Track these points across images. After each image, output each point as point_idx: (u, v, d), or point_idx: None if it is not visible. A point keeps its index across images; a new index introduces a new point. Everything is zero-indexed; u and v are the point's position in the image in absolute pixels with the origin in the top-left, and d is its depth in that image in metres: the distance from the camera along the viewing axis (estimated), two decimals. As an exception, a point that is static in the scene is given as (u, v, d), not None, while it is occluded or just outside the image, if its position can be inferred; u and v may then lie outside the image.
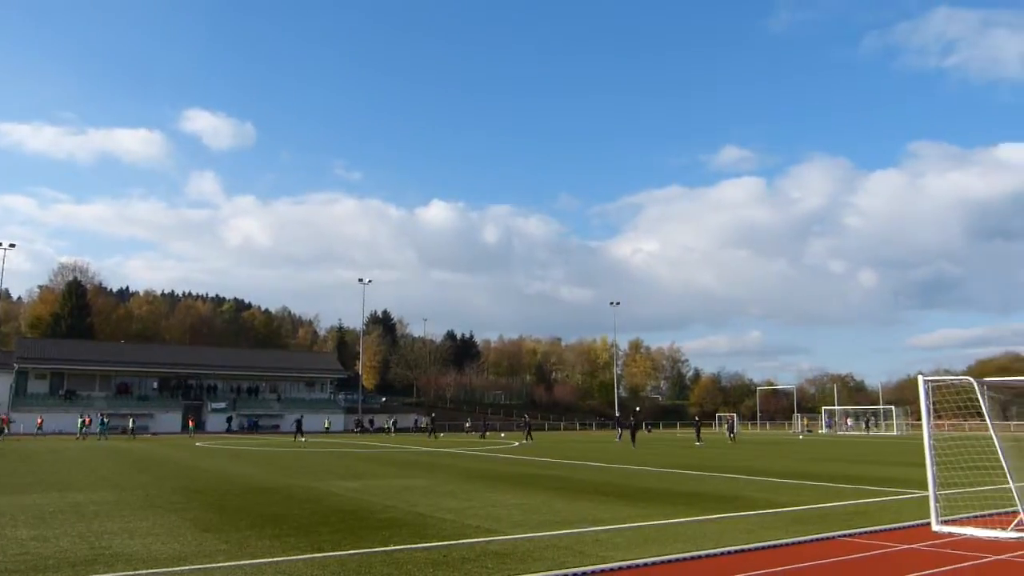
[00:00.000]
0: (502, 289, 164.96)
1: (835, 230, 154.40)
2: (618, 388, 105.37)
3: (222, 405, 78.99)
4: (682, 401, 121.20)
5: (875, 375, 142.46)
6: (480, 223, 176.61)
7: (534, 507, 14.44)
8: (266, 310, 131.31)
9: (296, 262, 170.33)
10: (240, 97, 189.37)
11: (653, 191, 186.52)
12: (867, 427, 73.70)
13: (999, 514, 11.63)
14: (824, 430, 78.10)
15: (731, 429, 53.72)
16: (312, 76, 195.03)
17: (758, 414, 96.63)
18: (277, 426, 77.26)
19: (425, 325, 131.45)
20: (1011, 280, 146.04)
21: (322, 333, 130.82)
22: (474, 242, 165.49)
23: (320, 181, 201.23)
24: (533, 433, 54.17)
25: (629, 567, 8.77)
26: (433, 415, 69.70)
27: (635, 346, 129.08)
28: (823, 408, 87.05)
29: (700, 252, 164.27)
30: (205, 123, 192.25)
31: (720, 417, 76.24)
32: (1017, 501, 10.93)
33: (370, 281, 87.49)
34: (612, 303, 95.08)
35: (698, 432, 50.12)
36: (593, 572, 8.49)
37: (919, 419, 13.54)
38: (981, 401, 11.10)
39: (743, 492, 17.35)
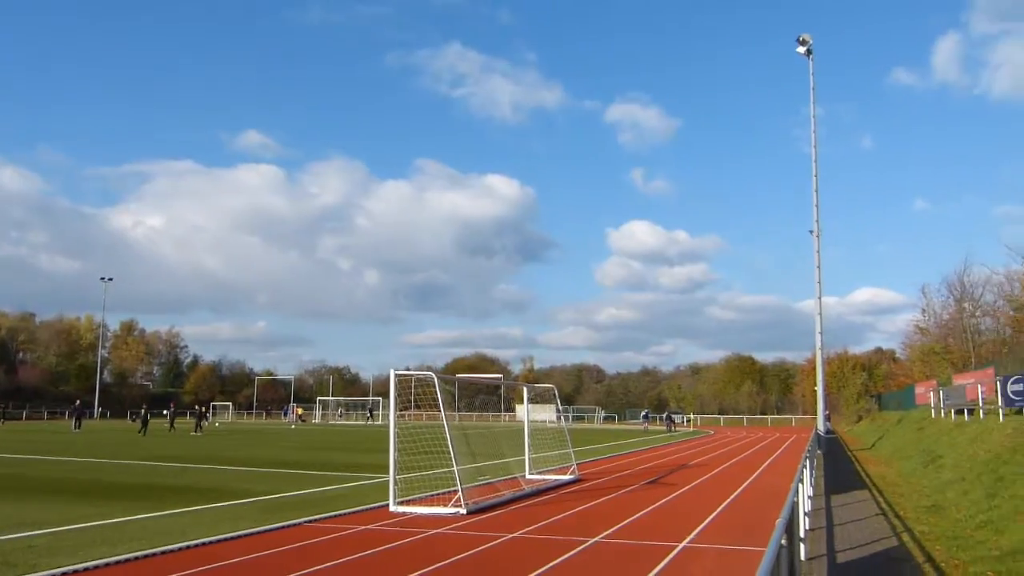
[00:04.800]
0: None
1: (347, 229, 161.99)
2: (102, 373, 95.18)
3: None
4: (176, 389, 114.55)
5: (370, 368, 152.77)
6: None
7: (-41, 512, 12.02)
8: None
9: None
10: None
11: (164, 162, 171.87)
12: (371, 416, 78.86)
13: (443, 493, 13.29)
14: (316, 419, 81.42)
15: (199, 420, 49.71)
16: None
17: (255, 403, 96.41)
18: None
19: None
20: (487, 292, 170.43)
21: None
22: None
23: None
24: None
25: (64, 574, 7.77)
26: None
27: (128, 327, 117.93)
28: (318, 398, 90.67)
29: (210, 234, 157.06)
30: None
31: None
32: (457, 481, 12.62)
33: None
34: (104, 278, 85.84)
35: (199, 422, 47.85)
36: (17, 584, 7.31)
37: (403, 409, 14.79)
38: (438, 394, 12.57)
39: (222, 483, 16.94)
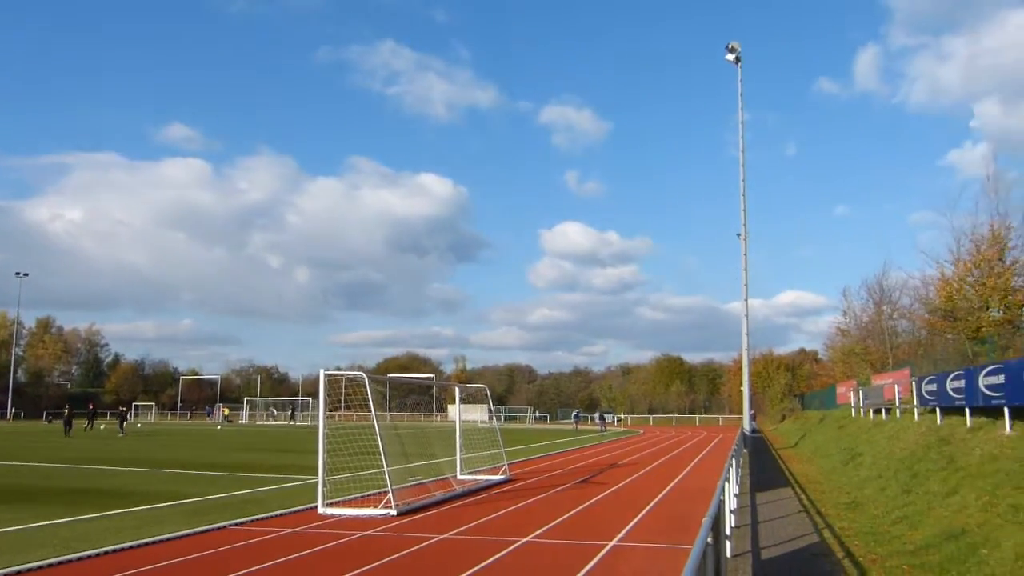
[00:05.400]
0: None
1: (277, 226, 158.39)
2: (16, 372, 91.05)
3: None
4: (97, 388, 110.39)
5: (300, 368, 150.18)
6: None
7: None
8: None
9: None
10: None
11: (85, 154, 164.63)
12: (292, 417, 77.41)
13: (373, 494, 13.14)
14: (244, 420, 79.60)
15: (121, 422, 47.85)
16: None
17: (179, 403, 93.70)
18: None
19: None
20: (420, 291, 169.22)
21: None
22: None
23: None
24: None
25: (-29, 583, 7.40)
26: None
27: (44, 325, 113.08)
28: (246, 398, 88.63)
29: (134, 229, 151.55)
30: None
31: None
32: (388, 481, 12.48)
33: None
34: (19, 273, 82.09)
35: (122, 423, 46.30)
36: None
37: (333, 410, 14.57)
38: (369, 394, 12.43)
39: (144, 486, 16.38)
